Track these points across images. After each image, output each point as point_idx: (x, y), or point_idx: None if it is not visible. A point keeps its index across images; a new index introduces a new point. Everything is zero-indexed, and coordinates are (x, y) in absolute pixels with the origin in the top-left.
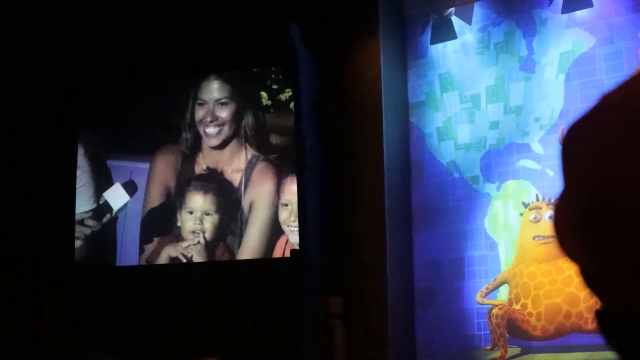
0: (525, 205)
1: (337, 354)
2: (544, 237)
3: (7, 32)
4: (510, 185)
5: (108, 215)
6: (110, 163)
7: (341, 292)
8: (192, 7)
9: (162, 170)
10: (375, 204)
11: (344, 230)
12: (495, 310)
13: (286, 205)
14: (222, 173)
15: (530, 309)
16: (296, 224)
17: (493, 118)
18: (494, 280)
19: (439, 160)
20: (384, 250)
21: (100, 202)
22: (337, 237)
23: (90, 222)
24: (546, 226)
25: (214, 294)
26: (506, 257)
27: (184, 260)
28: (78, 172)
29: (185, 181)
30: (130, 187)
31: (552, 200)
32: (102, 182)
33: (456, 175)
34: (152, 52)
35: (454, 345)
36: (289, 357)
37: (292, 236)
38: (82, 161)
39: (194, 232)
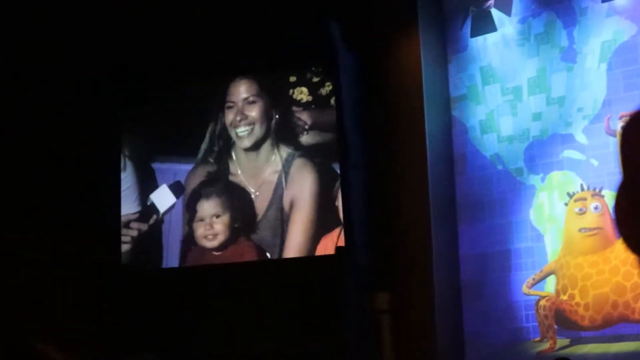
0: (570, 195)
1: (385, 350)
2: (589, 229)
3: (51, 37)
4: (555, 176)
5: (155, 217)
6: (155, 165)
7: (387, 287)
8: (235, 6)
9: (193, 181)
10: (419, 198)
11: (389, 225)
12: (542, 302)
13: None
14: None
15: (577, 299)
16: None
17: (536, 109)
18: (540, 272)
19: (482, 153)
20: (430, 245)
21: (147, 204)
22: (382, 233)
23: (137, 225)
24: (592, 218)
25: (260, 294)
26: (553, 248)
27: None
28: (122, 175)
29: (198, 192)
30: (176, 189)
31: (597, 191)
32: (146, 184)
33: (500, 167)
34: (192, 54)
35: (503, 338)
36: (337, 354)
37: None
38: (126, 164)
39: (205, 237)
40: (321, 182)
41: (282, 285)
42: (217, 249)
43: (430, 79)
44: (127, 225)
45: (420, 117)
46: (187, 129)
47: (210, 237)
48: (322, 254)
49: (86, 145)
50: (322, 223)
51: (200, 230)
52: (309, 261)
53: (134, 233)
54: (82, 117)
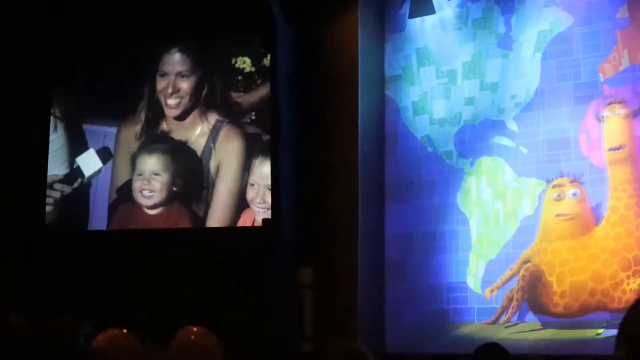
0: (548, 181)
1: (305, 324)
2: (566, 214)
3: None
4: (484, 161)
5: (79, 180)
6: (86, 127)
7: (312, 263)
8: None
9: (125, 139)
10: (348, 176)
11: (316, 201)
12: (522, 271)
13: (253, 185)
14: (186, 141)
15: (555, 287)
16: (262, 205)
17: (469, 94)
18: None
19: (413, 134)
20: (356, 223)
21: (74, 167)
22: (309, 208)
23: (60, 186)
24: (569, 204)
25: (185, 261)
26: (477, 232)
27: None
28: (53, 135)
29: (142, 147)
30: (104, 154)
31: (576, 178)
32: (76, 145)
33: (430, 149)
34: (130, 19)
35: (423, 319)
36: (259, 324)
37: (258, 216)
38: (57, 125)
39: (141, 191)
40: (248, 152)
41: (206, 253)
42: (151, 207)
43: (367, 56)
44: (51, 186)
45: (354, 95)
46: (119, 91)
47: (146, 192)
48: (245, 223)
49: (17, 105)
50: (244, 195)
51: (137, 183)
52: (234, 231)
53: (57, 195)
54: (14, 76)
